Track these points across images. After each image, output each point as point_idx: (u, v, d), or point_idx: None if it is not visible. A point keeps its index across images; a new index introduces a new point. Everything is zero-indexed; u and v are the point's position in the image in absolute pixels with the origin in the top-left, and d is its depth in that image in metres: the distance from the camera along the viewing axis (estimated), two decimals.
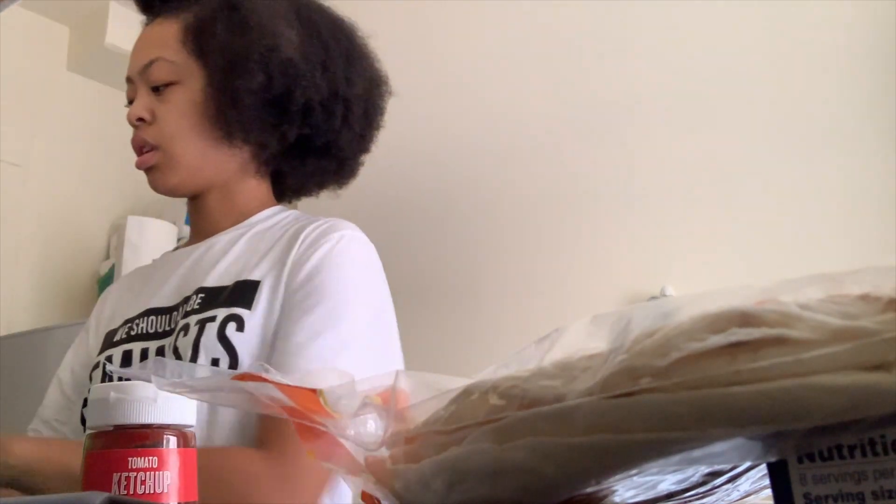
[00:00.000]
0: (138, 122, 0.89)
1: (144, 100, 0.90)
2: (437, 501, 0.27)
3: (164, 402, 0.38)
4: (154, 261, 1.02)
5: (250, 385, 0.31)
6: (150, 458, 0.37)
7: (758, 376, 0.21)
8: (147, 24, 0.96)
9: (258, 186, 0.96)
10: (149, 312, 0.88)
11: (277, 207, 0.97)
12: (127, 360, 0.84)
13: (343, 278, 0.81)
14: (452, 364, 1.66)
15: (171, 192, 0.92)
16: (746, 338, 0.22)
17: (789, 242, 1.42)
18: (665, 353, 0.23)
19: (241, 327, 0.78)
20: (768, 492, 0.25)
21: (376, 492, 0.30)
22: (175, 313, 0.85)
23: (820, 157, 1.44)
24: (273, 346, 0.78)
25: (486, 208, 1.80)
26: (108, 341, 0.89)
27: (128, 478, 0.36)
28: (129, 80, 0.93)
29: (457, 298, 1.77)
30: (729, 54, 1.57)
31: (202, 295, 0.83)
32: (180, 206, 2.14)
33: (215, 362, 0.77)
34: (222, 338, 0.77)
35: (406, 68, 1.97)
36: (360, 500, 0.32)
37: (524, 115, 1.80)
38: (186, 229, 2.13)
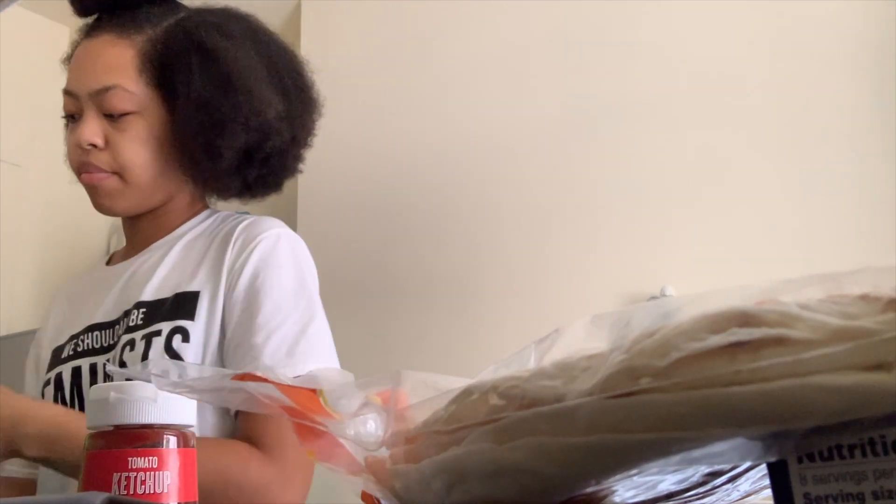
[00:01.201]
0: (89, 147, 0.85)
1: (97, 124, 0.85)
2: (437, 501, 0.27)
3: (164, 402, 0.38)
4: (91, 273, 1.01)
5: (250, 385, 0.31)
6: (150, 458, 0.37)
7: (758, 376, 0.21)
8: (90, 35, 0.89)
9: (197, 204, 0.97)
10: (91, 328, 0.88)
11: (206, 212, 0.97)
12: (77, 376, 0.84)
13: (282, 276, 0.85)
14: (452, 364, 1.66)
15: (115, 215, 0.92)
16: (746, 338, 0.22)
17: (789, 242, 1.42)
18: (665, 353, 0.23)
19: (186, 338, 0.80)
20: (768, 492, 0.25)
21: (376, 492, 0.30)
22: (117, 327, 0.86)
23: (820, 157, 1.44)
24: (228, 352, 0.81)
25: (487, 208, 1.80)
26: (57, 358, 0.89)
27: (128, 478, 0.36)
28: (69, 93, 0.87)
29: (457, 298, 1.77)
30: (729, 54, 1.57)
31: (143, 310, 0.84)
32: None
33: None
34: (169, 349, 0.79)
35: (407, 69, 1.97)
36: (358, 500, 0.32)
37: (524, 116, 1.80)
38: None
